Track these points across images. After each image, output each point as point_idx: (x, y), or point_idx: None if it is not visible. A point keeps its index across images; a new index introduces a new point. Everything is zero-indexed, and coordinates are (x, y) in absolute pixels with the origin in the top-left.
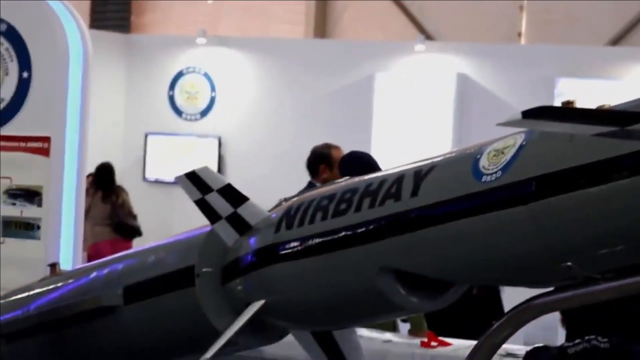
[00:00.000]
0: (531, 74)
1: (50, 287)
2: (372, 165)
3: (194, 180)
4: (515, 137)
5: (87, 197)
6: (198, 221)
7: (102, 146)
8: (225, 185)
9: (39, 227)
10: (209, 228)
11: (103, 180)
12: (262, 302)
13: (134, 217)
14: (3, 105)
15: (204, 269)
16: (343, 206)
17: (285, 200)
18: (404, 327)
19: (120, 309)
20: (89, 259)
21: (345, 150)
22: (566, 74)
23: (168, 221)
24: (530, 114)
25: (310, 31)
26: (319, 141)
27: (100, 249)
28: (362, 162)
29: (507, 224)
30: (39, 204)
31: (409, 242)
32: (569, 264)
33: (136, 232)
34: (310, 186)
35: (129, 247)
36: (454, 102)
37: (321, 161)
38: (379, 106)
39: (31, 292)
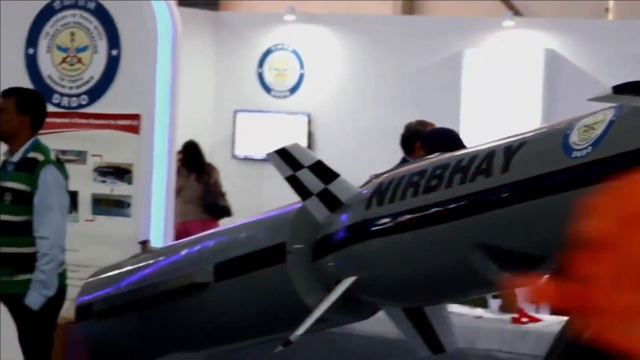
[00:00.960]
0: (619, 49)
1: (141, 264)
2: (456, 142)
3: (285, 157)
4: (606, 113)
5: (179, 176)
6: (288, 198)
7: (191, 123)
8: (316, 162)
9: (129, 205)
10: (299, 205)
11: (191, 159)
12: (353, 278)
13: (224, 196)
14: (92, 83)
15: (295, 246)
16: (434, 182)
17: (376, 176)
18: (495, 303)
19: (211, 286)
20: (178, 237)
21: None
22: None
23: (257, 198)
24: (621, 89)
25: (399, 8)
26: (408, 118)
27: (190, 227)
28: (446, 139)
29: None
30: (129, 182)
31: (499, 218)
32: None
33: (226, 213)
34: (403, 163)
35: (217, 226)
36: (543, 78)
37: (416, 138)
38: (467, 83)
39: (122, 270)
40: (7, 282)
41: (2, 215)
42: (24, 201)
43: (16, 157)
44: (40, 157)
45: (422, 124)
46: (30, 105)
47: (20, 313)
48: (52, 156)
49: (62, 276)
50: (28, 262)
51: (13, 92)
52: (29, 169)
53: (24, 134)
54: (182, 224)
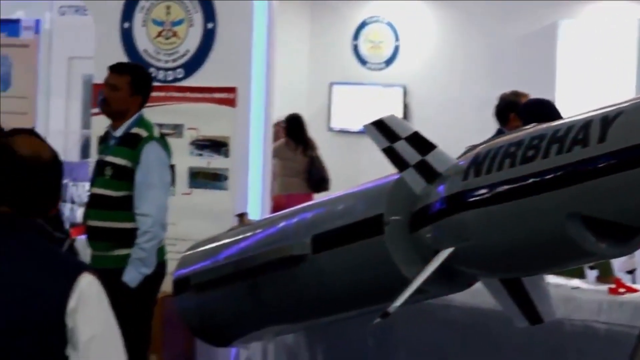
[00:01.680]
0: None
1: (239, 237)
2: (553, 112)
3: (382, 128)
4: None
5: (287, 148)
6: (384, 170)
7: (286, 96)
8: (413, 133)
9: (226, 178)
10: (396, 176)
11: (296, 132)
12: (451, 249)
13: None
14: (188, 56)
15: (392, 217)
16: (531, 153)
17: (473, 147)
18: (592, 274)
19: (308, 258)
20: (277, 210)
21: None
22: None
23: (354, 170)
24: None
25: None
26: (503, 89)
27: (294, 201)
28: (542, 109)
29: None
30: (226, 155)
31: (597, 188)
32: None
33: (328, 186)
34: (499, 134)
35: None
36: (638, 48)
37: (511, 109)
38: (563, 54)
39: (219, 243)
40: (103, 257)
41: (101, 190)
42: (124, 176)
43: (119, 132)
44: (143, 133)
45: (516, 94)
46: (144, 86)
47: (115, 289)
48: (156, 132)
49: (162, 251)
50: (126, 238)
51: (127, 70)
52: (131, 144)
53: (132, 112)
54: (286, 197)
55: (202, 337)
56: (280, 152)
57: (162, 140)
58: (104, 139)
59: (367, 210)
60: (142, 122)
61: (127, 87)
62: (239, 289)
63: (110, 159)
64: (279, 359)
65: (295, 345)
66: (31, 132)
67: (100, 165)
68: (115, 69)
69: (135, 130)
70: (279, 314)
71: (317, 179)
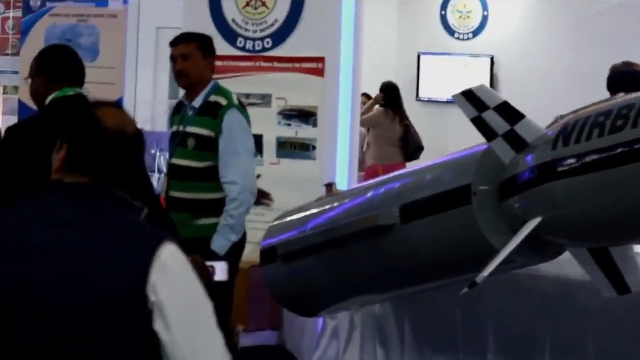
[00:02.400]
0: None
1: (326, 207)
2: None
3: (471, 98)
4: None
5: (385, 117)
6: (472, 140)
7: (374, 66)
8: (502, 103)
9: (314, 148)
10: (484, 146)
11: (392, 100)
12: (539, 219)
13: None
14: (276, 26)
15: (480, 187)
16: (620, 122)
17: (561, 117)
18: None
19: (397, 228)
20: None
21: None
22: None
23: (441, 140)
24: None
25: None
26: (591, 58)
27: (388, 171)
28: (632, 78)
29: None
30: (314, 125)
31: None
32: None
33: (419, 154)
34: None
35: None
36: None
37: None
38: None
39: (307, 212)
40: (185, 226)
41: (184, 161)
42: (207, 147)
43: (198, 102)
44: (223, 101)
45: (628, 64)
46: (212, 48)
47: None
48: (235, 99)
49: None
50: (209, 208)
51: (192, 38)
52: (211, 113)
53: (206, 78)
54: (382, 167)
55: (288, 307)
56: (377, 122)
57: (242, 107)
58: (177, 110)
59: (455, 179)
60: (219, 90)
61: (197, 53)
62: (326, 259)
63: (191, 129)
64: (365, 329)
65: (382, 315)
66: (115, 105)
67: (180, 135)
68: (180, 39)
69: (213, 98)
70: (366, 284)
71: (413, 147)
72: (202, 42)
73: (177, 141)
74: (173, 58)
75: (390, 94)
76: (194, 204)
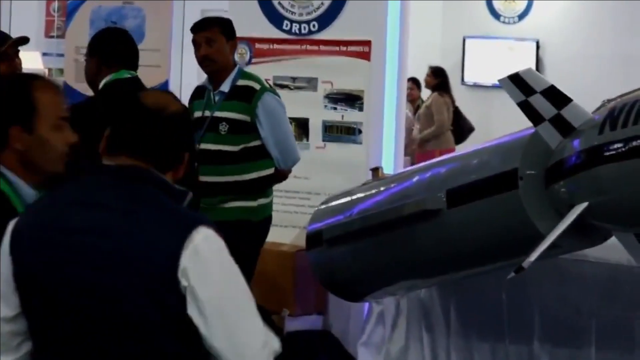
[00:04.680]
0: None
1: (373, 191)
2: None
3: (517, 82)
4: None
5: (443, 103)
6: (517, 125)
7: (420, 50)
8: (549, 87)
9: (360, 132)
10: (531, 130)
11: (443, 84)
12: (586, 204)
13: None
14: (323, 9)
15: (527, 172)
16: None
17: (608, 101)
18: None
19: (443, 212)
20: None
21: None
22: None
23: (487, 125)
24: None
25: None
26: (638, 42)
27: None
28: None
29: None
30: (360, 109)
31: None
32: None
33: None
34: None
35: None
36: None
37: None
38: None
39: (354, 197)
40: (214, 209)
41: (217, 145)
42: (242, 130)
43: (226, 86)
44: (255, 85)
45: None
46: (233, 31)
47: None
48: (266, 83)
49: (268, 207)
50: (241, 190)
51: (213, 23)
52: (244, 97)
53: (231, 63)
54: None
55: (334, 291)
56: (441, 109)
57: (274, 90)
58: (198, 95)
59: (502, 164)
60: (246, 74)
61: (221, 37)
62: (372, 244)
63: (223, 114)
64: (411, 314)
65: (428, 300)
66: (164, 91)
67: (210, 120)
68: (201, 25)
69: (242, 82)
70: (412, 269)
71: (465, 129)
72: (224, 26)
73: (207, 126)
74: (196, 44)
75: (441, 78)
76: (229, 187)
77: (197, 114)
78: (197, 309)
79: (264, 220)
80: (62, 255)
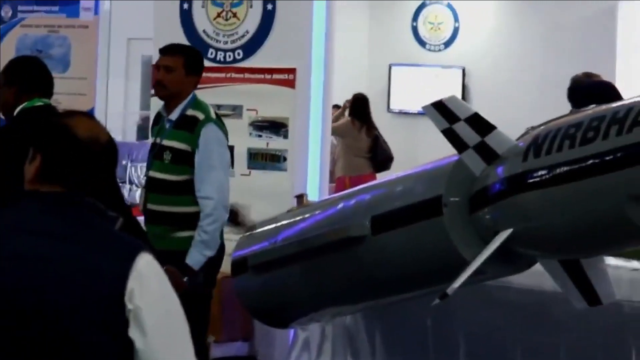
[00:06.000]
0: None
1: (298, 218)
2: (613, 94)
3: (441, 109)
4: None
5: (353, 127)
6: (443, 151)
7: (346, 77)
8: (473, 115)
9: (285, 159)
10: (455, 158)
11: (361, 112)
12: (510, 230)
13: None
14: (247, 37)
15: (451, 199)
16: (590, 134)
17: (532, 128)
18: None
19: (368, 239)
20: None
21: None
22: None
23: (413, 152)
24: None
25: None
26: (562, 70)
27: (357, 182)
28: (602, 91)
29: None
30: (285, 136)
31: None
32: None
33: (390, 165)
34: None
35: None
36: None
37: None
38: (623, 34)
39: (278, 224)
40: (163, 238)
41: (161, 174)
42: (184, 160)
43: (175, 115)
44: (200, 115)
45: (588, 75)
46: (198, 66)
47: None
48: (212, 113)
49: (220, 233)
50: (186, 221)
51: (180, 51)
52: (189, 127)
53: (186, 93)
54: (350, 179)
55: (260, 318)
56: (344, 132)
57: (219, 121)
58: (156, 122)
59: (427, 191)
60: (197, 104)
61: (182, 68)
62: (298, 270)
63: (168, 142)
64: (337, 341)
65: (354, 326)
66: (86, 115)
67: (158, 148)
68: (168, 50)
69: (191, 112)
70: (337, 296)
71: (381, 158)
72: (189, 59)
73: (154, 154)
74: (157, 66)
75: (357, 105)
76: (171, 217)
77: (152, 140)
78: (139, 330)
79: None
80: (4, 280)
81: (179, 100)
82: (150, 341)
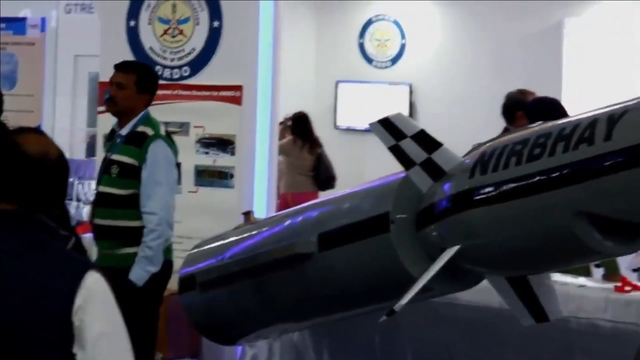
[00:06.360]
0: None
1: (245, 235)
2: (559, 111)
3: (388, 126)
4: None
5: (294, 146)
6: (390, 168)
7: (293, 94)
8: (419, 132)
9: (232, 176)
10: (402, 174)
11: (302, 130)
12: (457, 247)
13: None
14: (194, 54)
15: (398, 216)
16: (537, 151)
17: (479, 145)
18: (598, 272)
19: (314, 256)
20: (283, 208)
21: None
22: None
23: (359, 168)
24: None
25: None
26: (509, 87)
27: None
28: (549, 108)
29: None
30: (232, 153)
31: (603, 186)
32: None
33: (334, 184)
34: (505, 132)
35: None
36: None
37: (517, 107)
38: (569, 52)
39: (225, 241)
40: (109, 255)
41: (108, 188)
42: (130, 175)
43: (125, 130)
44: (149, 131)
45: (522, 92)
46: (150, 85)
47: (122, 287)
48: (162, 130)
49: (168, 250)
50: (132, 236)
51: (133, 69)
52: (137, 142)
53: (138, 110)
54: (292, 195)
55: (207, 335)
56: (286, 150)
57: (168, 138)
58: (110, 137)
59: (373, 208)
60: (148, 121)
61: (133, 86)
62: (245, 287)
63: (116, 157)
64: (284, 357)
65: (301, 343)
66: (36, 131)
67: (107, 163)
68: (121, 67)
69: (141, 128)
70: (285, 312)
71: (324, 177)
72: (141, 77)
73: (103, 168)
74: (110, 82)
75: (298, 123)
76: (117, 232)
77: (104, 155)
78: (82, 346)
79: (163, 264)
80: None
81: (131, 116)
82: (89, 356)
